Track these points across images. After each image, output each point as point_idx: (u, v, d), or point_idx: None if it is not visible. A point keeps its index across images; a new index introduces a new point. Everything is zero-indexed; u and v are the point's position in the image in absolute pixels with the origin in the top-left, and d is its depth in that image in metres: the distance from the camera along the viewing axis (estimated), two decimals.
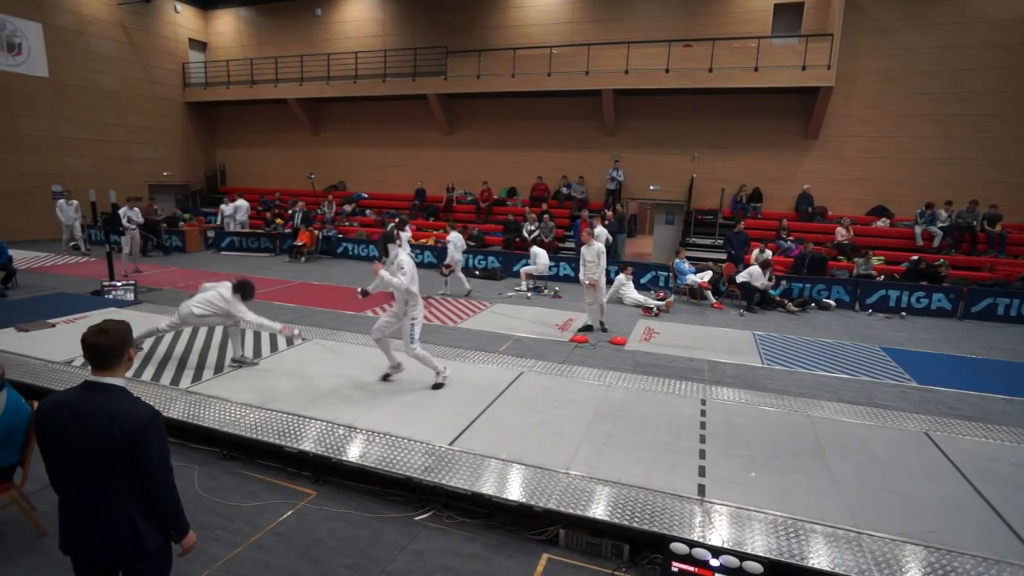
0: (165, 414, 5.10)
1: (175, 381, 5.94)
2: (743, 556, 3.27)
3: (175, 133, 20.60)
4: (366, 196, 19.21)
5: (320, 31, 19.54)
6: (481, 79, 16.58)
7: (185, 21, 20.54)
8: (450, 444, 4.68)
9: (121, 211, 12.26)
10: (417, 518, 4.06)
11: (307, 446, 4.56)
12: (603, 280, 8.84)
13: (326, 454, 4.44)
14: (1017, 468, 4.67)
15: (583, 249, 8.78)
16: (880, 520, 3.83)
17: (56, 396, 2.22)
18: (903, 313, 11.35)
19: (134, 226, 12.53)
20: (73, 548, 2.21)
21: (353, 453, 4.50)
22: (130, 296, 9.88)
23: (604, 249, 8.86)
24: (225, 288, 6.22)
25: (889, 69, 14.12)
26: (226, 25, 21.12)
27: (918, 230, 13.36)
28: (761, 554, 3.37)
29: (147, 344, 7.02)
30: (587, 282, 8.72)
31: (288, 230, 16.49)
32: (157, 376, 6.07)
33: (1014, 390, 6.93)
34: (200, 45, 21.34)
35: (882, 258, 12.91)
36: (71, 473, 2.17)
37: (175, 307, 9.16)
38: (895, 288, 11.61)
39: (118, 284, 9.99)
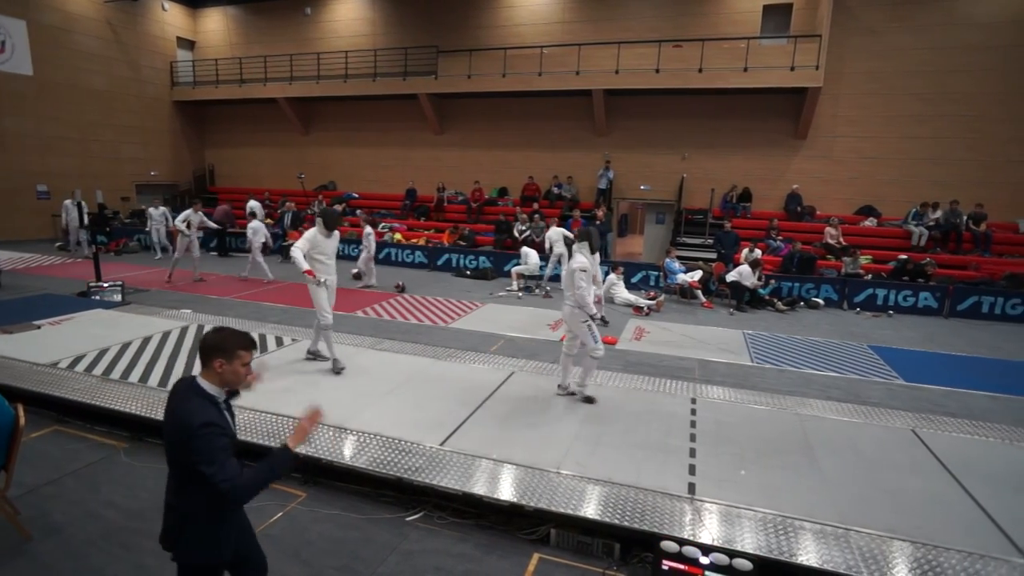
0: (154, 417, 5.06)
1: (163, 383, 5.88)
2: (732, 553, 3.29)
3: (163, 132, 20.42)
4: (357, 196, 19.13)
5: (310, 30, 19.44)
6: (472, 79, 16.56)
7: (173, 19, 20.36)
8: (441, 444, 4.67)
9: (182, 215, 12.14)
10: (408, 519, 4.05)
11: (297, 448, 4.52)
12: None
13: (316, 455, 4.42)
14: (1001, 464, 4.73)
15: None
16: (868, 516, 3.87)
17: (176, 383, 2.35)
18: (890, 311, 11.46)
19: (192, 231, 12.15)
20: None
21: (343, 454, 4.48)
22: (117, 297, 9.78)
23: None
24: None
25: (876, 70, 14.25)
26: (214, 24, 20.96)
27: (914, 229, 13.47)
28: (750, 551, 3.40)
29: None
30: None
31: (276, 229, 16.37)
32: (145, 377, 6.01)
33: (999, 387, 7.02)
34: (188, 44, 21.16)
35: (870, 257, 13.04)
36: (168, 464, 2.29)
37: (164, 308, 9.14)
38: (882, 287, 11.73)
39: (105, 285, 9.88)
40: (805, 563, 3.36)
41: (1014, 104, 13.43)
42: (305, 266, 6.20)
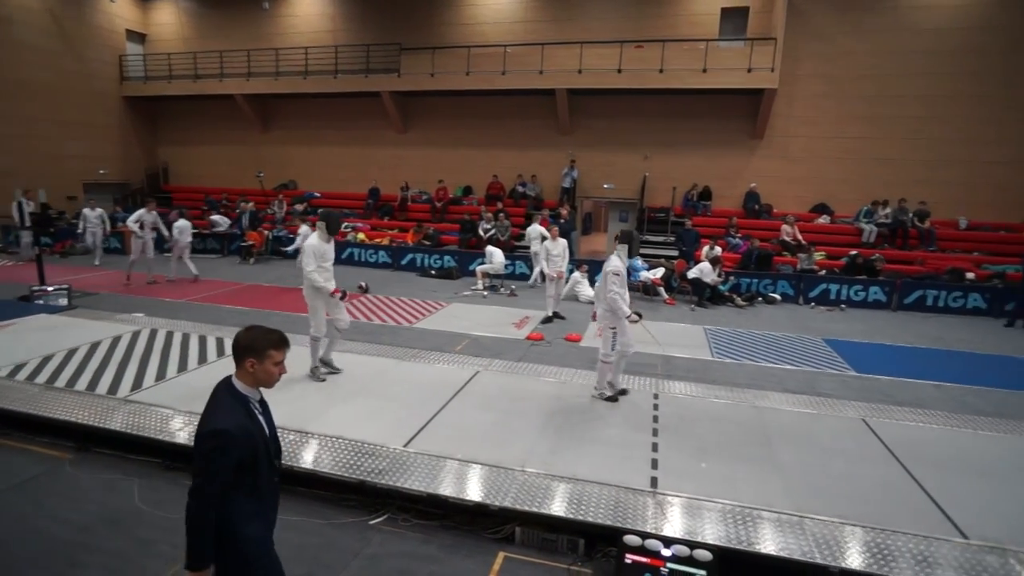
0: (102, 426, 4.86)
1: (112, 390, 5.65)
2: (693, 545, 3.36)
3: (112, 129, 19.56)
4: (318, 195, 18.76)
5: (268, 25, 18.94)
6: (435, 77, 16.43)
7: (121, 11, 19.54)
8: (405, 446, 4.63)
9: (135, 215, 11.57)
10: (371, 522, 4.00)
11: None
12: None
13: None
14: (943, 449, 4.96)
15: (548, 244, 9.70)
16: (821, 504, 4.00)
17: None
18: (843, 305, 11.89)
19: (146, 232, 11.63)
20: None
21: (304, 458, 4.39)
22: (63, 301, 9.34)
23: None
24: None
25: (828, 73, 14.75)
26: (166, 16, 20.21)
27: (865, 226, 13.99)
28: (711, 542, 3.47)
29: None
30: (555, 274, 9.55)
31: (235, 230, 15.97)
32: (93, 385, 5.76)
33: (942, 376, 7.37)
34: (139, 37, 20.35)
35: (823, 253, 13.49)
36: None
37: (114, 312, 8.77)
38: (835, 282, 12.17)
39: (49, 288, 9.44)
40: (763, 551, 3.46)
41: (952, 107, 14.10)
42: (331, 286, 5.91)
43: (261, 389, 2.29)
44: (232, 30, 19.20)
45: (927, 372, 7.52)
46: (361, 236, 15.99)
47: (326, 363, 6.30)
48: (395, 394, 5.75)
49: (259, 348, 2.19)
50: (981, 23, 13.76)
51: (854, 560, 3.42)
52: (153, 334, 7.56)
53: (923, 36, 14.08)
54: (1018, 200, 13.97)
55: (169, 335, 7.53)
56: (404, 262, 14.69)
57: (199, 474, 2.07)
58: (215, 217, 16.50)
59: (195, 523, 2.10)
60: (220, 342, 7.31)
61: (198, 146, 20.53)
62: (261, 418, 2.27)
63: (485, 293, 11.77)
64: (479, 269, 12.19)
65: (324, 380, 6.05)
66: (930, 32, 14.04)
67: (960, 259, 12.92)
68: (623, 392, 5.93)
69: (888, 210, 14.04)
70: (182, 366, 6.39)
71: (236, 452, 2.09)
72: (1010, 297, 11.07)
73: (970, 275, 12.05)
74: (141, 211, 11.70)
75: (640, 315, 5.73)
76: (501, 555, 3.72)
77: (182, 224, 12.11)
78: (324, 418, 5.05)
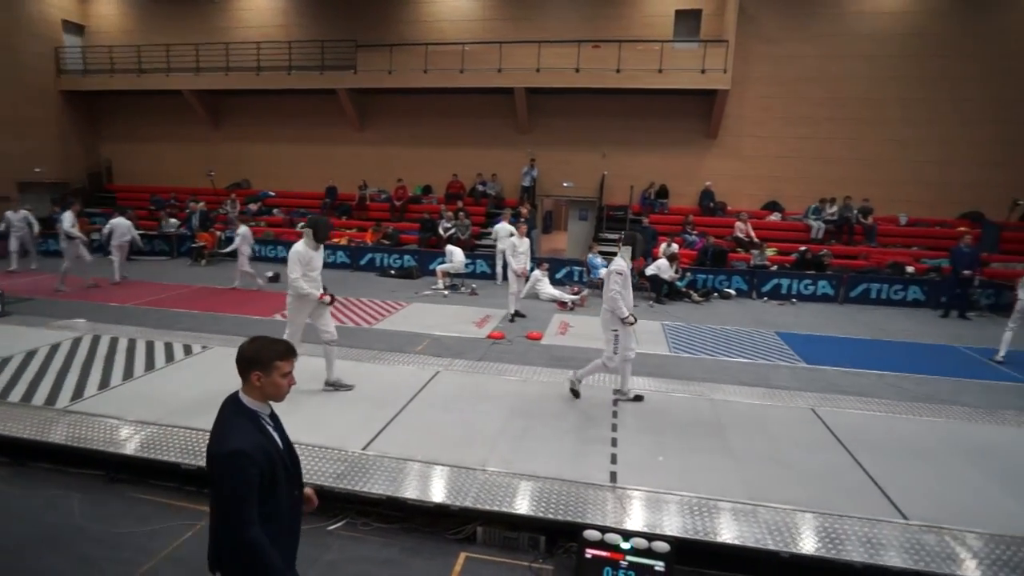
0: (42, 439, 4.60)
1: (51, 400, 5.36)
2: (651, 537, 3.41)
3: (48, 124, 18.53)
4: (273, 195, 18.28)
5: (217, 18, 18.30)
6: (393, 74, 16.22)
7: (57, 0, 18.54)
8: (364, 449, 4.56)
9: (68, 220, 10.93)
10: (330, 528, 3.92)
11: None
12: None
13: None
14: (885, 435, 5.19)
15: (515, 241, 9.80)
16: (773, 492, 4.14)
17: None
18: (793, 299, 12.34)
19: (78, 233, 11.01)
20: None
21: None
22: None
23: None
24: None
25: (776, 75, 15.25)
26: (107, 7, 19.28)
27: (813, 223, 14.52)
28: (669, 533, 3.54)
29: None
30: (519, 270, 9.60)
31: (184, 230, 15.39)
32: (28, 396, 5.46)
33: (884, 365, 7.72)
34: (77, 28, 19.35)
35: (775, 250, 13.95)
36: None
37: (52, 319, 8.32)
38: (786, 277, 12.62)
39: None
40: (718, 540, 3.56)
41: (890, 109, 14.79)
42: (317, 293, 5.63)
43: (270, 402, 2.20)
44: (179, 23, 18.46)
45: (871, 362, 7.87)
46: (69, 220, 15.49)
47: (334, 384, 5.92)
48: (354, 397, 5.66)
49: (265, 360, 2.09)
50: (914, 30, 14.47)
51: (804, 545, 3.54)
52: (96, 340, 7.22)
53: (863, 41, 14.71)
54: (952, 197, 14.76)
55: (113, 341, 7.20)
56: (363, 262, 14.47)
57: (233, 501, 1.93)
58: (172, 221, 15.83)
59: (259, 555, 1.95)
60: (168, 347, 7.03)
61: (144, 143, 19.66)
62: (274, 433, 2.18)
63: (446, 292, 11.69)
64: (439, 268, 12.11)
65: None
66: (869, 38, 14.68)
67: (901, 254, 13.56)
68: (639, 398, 5.77)
69: (834, 208, 14.62)
70: (127, 373, 6.12)
71: (256, 472, 1.96)
72: (944, 289, 11.70)
73: (910, 269, 12.68)
74: (69, 214, 11.06)
75: (635, 319, 5.63)
76: (463, 555, 3.70)
77: (116, 223, 11.62)
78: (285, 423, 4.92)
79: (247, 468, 1.94)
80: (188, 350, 6.92)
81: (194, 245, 14.53)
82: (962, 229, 13.19)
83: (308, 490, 2.38)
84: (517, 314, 9.67)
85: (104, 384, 5.80)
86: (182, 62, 17.75)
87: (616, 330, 5.52)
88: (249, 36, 17.73)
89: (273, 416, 2.22)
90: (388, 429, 4.95)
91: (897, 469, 4.55)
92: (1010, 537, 3.68)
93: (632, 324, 5.57)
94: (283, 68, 17.02)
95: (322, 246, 5.71)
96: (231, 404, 2.13)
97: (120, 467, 4.42)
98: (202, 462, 4.24)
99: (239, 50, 17.40)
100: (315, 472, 4.16)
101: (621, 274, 5.52)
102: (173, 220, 15.90)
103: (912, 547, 3.55)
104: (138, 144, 19.73)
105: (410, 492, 3.99)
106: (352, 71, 16.45)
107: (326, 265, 14.58)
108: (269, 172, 18.71)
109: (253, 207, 17.47)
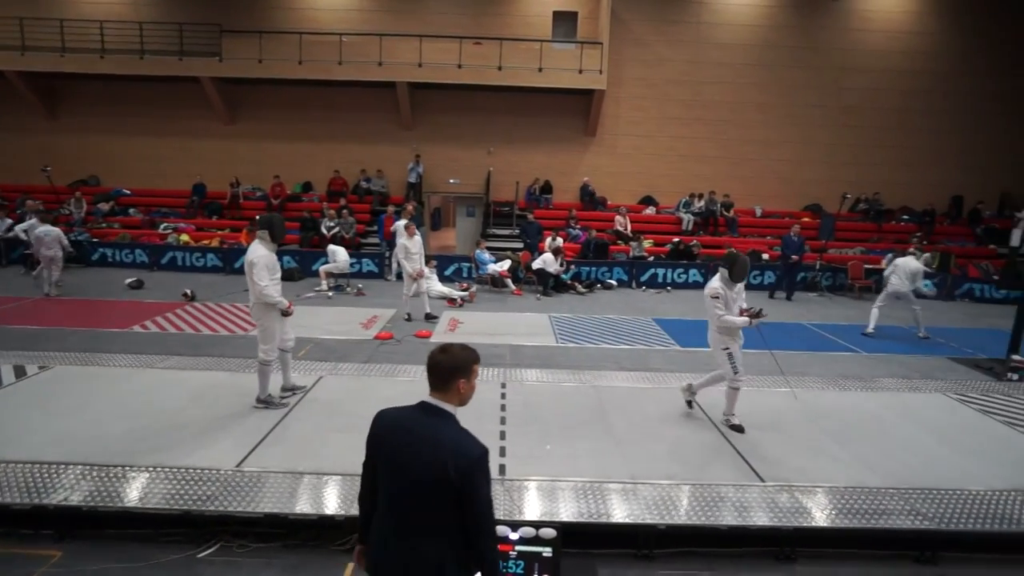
0: None
1: None
2: (539, 525, 3.48)
3: None
4: (128, 193, 16.43)
5: None
6: (264, 63, 15.19)
7: None
8: (237, 466, 4.23)
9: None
10: (200, 555, 3.59)
11: (51, 498, 3.73)
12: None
13: (74, 504, 3.69)
14: (745, 408, 5.70)
15: (406, 242, 9.32)
16: (653, 469, 4.41)
17: (392, 412, 2.12)
18: (669, 287, 13.26)
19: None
20: None
21: (112, 495, 3.80)
22: None
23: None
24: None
25: (647, 76, 16.25)
26: None
27: (683, 216, 15.65)
28: (556, 519, 3.64)
29: None
30: (414, 272, 9.19)
31: (21, 234, 13.35)
32: None
33: (746, 344, 8.48)
34: None
35: (651, 241, 14.90)
36: (395, 501, 1.99)
37: None
38: (662, 267, 13.56)
39: None
40: (601, 520, 3.72)
41: (747, 112, 16.38)
42: (286, 302, 5.24)
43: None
44: None
45: None
46: (185, 238, 14.37)
47: (291, 388, 5.64)
48: (227, 410, 5.23)
49: (467, 366, 2.07)
50: (765, 42, 16.11)
51: (682, 515, 3.81)
52: None
53: (723, 50, 16.11)
54: (798, 191, 16.67)
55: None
56: (238, 265, 13.41)
57: (489, 503, 1.97)
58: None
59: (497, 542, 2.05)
60: None
61: None
62: None
63: (330, 294, 11.20)
64: (322, 269, 11.57)
65: (287, 404, 5.42)
66: (728, 47, 16.11)
67: (757, 242, 15.06)
68: (737, 428, 5.25)
69: (702, 202, 15.89)
70: None
71: None
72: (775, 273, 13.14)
73: (765, 256, 14.12)
74: None
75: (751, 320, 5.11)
76: (351, 566, 3.56)
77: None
78: (138, 447, 4.43)
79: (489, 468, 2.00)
80: (21, 372, 6.01)
81: (28, 251, 12.65)
82: (792, 220, 14.88)
83: None
84: (411, 316, 9.34)
85: None
86: (5, 38, 15.35)
87: (727, 348, 5.25)
88: (89, 13, 15.75)
89: None
90: (266, 442, 4.64)
91: (754, 438, 5.04)
92: (846, 488, 4.21)
93: (753, 326, 5.16)
94: (134, 52, 15.32)
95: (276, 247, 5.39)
96: (434, 412, 2.04)
97: None
98: (41, 499, 3.71)
99: (78, 28, 15.36)
100: (181, 496, 3.79)
101: (716, 297, 5.14)
102: (8, 220, 13.76)
103: (770, 505, 3.95)
104: None
105: (291, 506, 3.76)
106: (217, 58, 15.21)
107: (195, 269, 13.56)
108: (122, 168, 16.76)
109: (104, 206, 15.63)
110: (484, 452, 1.96)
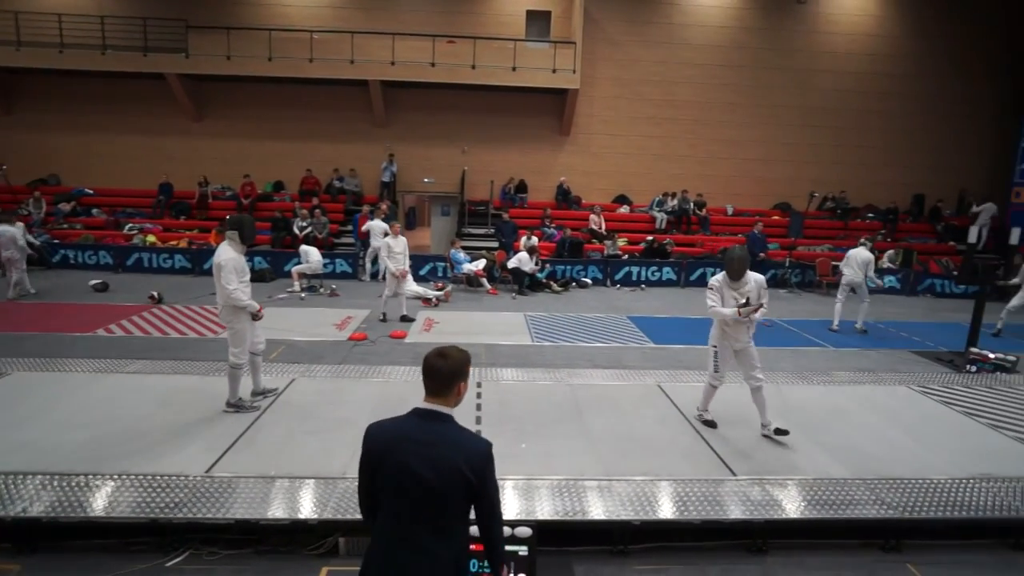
0: None
1: None
2: (514, 524, 3.48)
3: None
4: (91, 192, 15.93)
5: None
6: (232, 60, 14.89)
7: None
8: (207, 471, 4.14)
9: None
10: (169, 564, 3.51)
11: (8, 511, 3.59)
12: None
13: (33, 515, 3.56)
14: (719, 405, 5.80)
15: (390, 241, 9.21)
16: (627, 465, 4.44)
17: (386, 424, 2.10)
18: (643, 285, 13.41)
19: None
20: None
21: (75, 505, 3.68)
22: None
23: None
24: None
25: (620, 76, 16.38)
26: None
27: (657, 215, 15.82)
28: (531, 518, 3.64)
29: None
30: (398, 272, 9.06)
31: None
32: None
33: None
34: None
35: (625, 239, 15.03)
36: (405, 510, 1.96)
37: None
38: (636, 264, 13.70)
39: None
40: (578, 518, 3.74)
41: (718, 112, 16.63)
42: (256, 305, 5.15)
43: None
44: None
45: (705, 339, 8.74)
46: (151, 239, 14.00)
47: (262, 391, 5.57)
48: (197, 414, 5.10)
49: (465, 369, 2.11)
50: (734, 43, 16.37)
51: (657, 511, 3.85)
52: None
53: (694, 51, 16.33)
54: (768, 190, 16.98)
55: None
56: (207, 266, 13.09)
57: (497, 493, 2.06)
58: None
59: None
60: None
61: None
62: None
63: (303, 295, 11.04)
64: (295, 270, 11.40)
65: (258, 408, 5.33)
66: (699, 48, 16.33)
67: (729, 240, 15.28)
68: (781, 432, 5.03)
69: (675, 201, 16.09)
70: None
71: None
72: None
73: None
74: None
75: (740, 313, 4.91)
76: (325, 570, 3.52)
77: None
78: (102, 454, 4.30)
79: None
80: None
81: None
82: (763, 219, 15.17)
83: None
84: (385, 318, 9.15)
85: None
86: None
87: (715, 346, 5.21)
88: (47, 5, 15.23)
89: None
90: (236, 447, 4.55)
91: (725, 434, 5.12)
92: (815, 480, 4.30)
93: (742, 317, 4.91)
94: (95, 47, 14.86)
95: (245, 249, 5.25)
96: (434, 417, 2.05)
97: None
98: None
99: (34, 21, 14.83)
100: (148, 504, 3.69)
101: (711, 288, 5.12)
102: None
103: (742, 498, 4.01)
104: None
105: (263, 511, 3.70)
106: (183, 55, 14.84)
107: (162, 270, 13.25)
108: (84, 166, 16.25)
109: (65, 207, 15.13)
110: (490, 445, 2.05)
